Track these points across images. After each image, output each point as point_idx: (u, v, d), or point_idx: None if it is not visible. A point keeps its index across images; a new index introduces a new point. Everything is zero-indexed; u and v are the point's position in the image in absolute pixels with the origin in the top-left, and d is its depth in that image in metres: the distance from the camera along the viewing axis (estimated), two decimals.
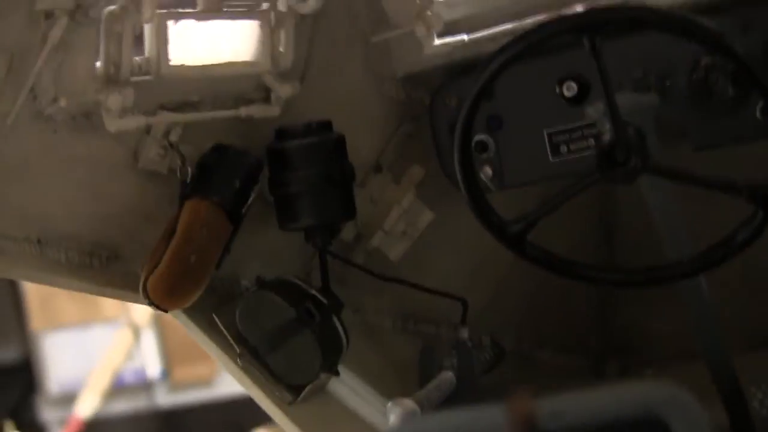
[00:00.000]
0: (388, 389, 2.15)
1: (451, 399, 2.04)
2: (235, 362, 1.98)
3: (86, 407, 5.40)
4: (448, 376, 2.06)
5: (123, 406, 5.51)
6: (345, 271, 2.19)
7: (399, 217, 2.19)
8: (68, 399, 5.55)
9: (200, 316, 1.99)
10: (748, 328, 2.26)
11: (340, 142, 2.01)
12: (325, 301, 1.97)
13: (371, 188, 2.17)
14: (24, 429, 5.70)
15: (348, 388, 2.11)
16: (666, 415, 1.15)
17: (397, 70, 2.16)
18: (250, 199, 1.93)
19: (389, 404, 1.88)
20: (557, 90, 2.01)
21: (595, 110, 1.80)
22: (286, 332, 1.95)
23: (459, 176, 1.76)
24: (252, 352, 1.99)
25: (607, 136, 1.69)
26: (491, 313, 2.32)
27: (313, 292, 1.98)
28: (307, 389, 1.99)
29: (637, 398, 1.17)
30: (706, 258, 1.73)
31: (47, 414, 5.75)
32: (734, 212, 1.68)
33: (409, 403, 1.86)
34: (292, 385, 2.01)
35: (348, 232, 2.16)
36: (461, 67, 2.07)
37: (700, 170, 1.71)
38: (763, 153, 1.97)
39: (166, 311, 1.89)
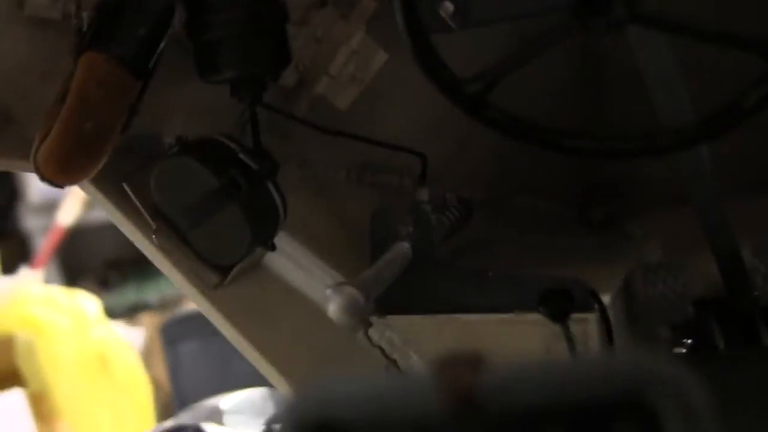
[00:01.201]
0: (340, 258, 1.88)
1: (407, 275, 1.76)
2: (151, 240, 1.69)
3: (68, 215, 5.20)
4: (402, 247, 1.78)
5: (104, 214, 5.26)
6: (287, 121, 1.88)
7: (347, 59, 1.87)
8: (50, 207, 5.34)
9: (111, 185, 1.69)
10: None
11: None
12: (254, 165, 1.66)
13: (315, 25, 1.84)
14: (6, 237, 5.58)
15: (290, 261, 1.83)
16: (654, 400, 0.82)
17: None
18: (160, 47, 1.60)
19: (328, 291, 1.59)
20: None
21: None
22: (209, 205, 1.66)
23: (397, 14, 1.43)
24: (171, 228, 1.70)
25: None
26: (458, 165, 2.02)
27: (242, 155, 1.67)
28: (234, 270, 1.71)
29: (615, 374, 0.84)
30: (709, 125, 1.41)
31: (29, 222, 5.60)
32: (742, 71, 1.36)
33: (350, 292, 1.57)
34: (218, 265, 1.72)
35: (288, 77, 1.84)
36: None
37: (701, 19, 1.38)
38: None
39: (61, 187, 1.59)
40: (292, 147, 1.87)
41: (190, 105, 1.77)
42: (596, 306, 1.70)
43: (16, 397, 3.94)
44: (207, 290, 1.68)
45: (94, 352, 3.95)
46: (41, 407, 4.03)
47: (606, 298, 1.74)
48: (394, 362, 1.81)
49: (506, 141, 1.72)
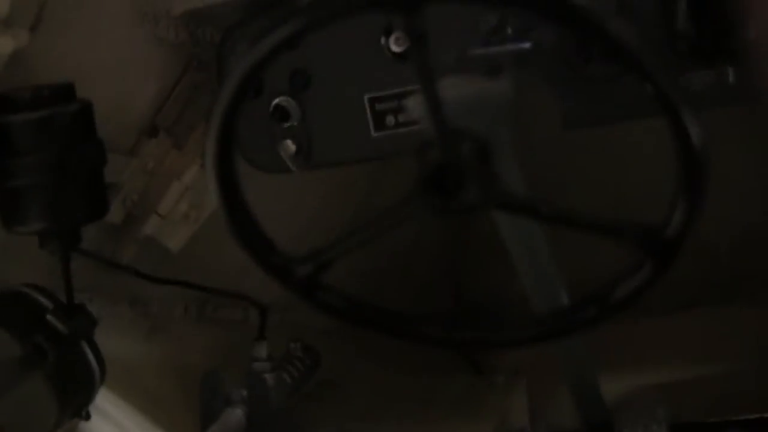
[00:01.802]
0: (172, 416, 1.67)
1: None
2: None
3: None
4: (234, 416, 1.58)
5: None
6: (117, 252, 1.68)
7: (180, 197, 1.67)
8: None
9: None
10: None
11: (83, 113, 1.46)
12: (64, 329, 1.45)
13: (145, 157, 1.64)
14: None
15: (111, 425, 1.62)
16: None
17: (173, 7, 1.59)
18: None
19: None
20: (383, 41, 1.48)
21: (415, 104, 1.26)
22: (11, 375, 1.44)
23: (212, 189, 1.23)
24: None
25: (430, 152, 1.17)
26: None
27: (49, 316, 1.46)
28: None
29: None
30: (568, 320, 1.23)
31: None
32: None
33: None
34: None
35: (115, 213, 1.64)
36: None
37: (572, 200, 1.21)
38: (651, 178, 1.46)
39: None
40: (125, 281, 1.67)
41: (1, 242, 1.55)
42: None
43: None
44: None
45: None
46: None
47: None
48: None
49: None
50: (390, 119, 1.50)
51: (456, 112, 1.18)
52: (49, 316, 1.46)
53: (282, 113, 1.53)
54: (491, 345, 1.30)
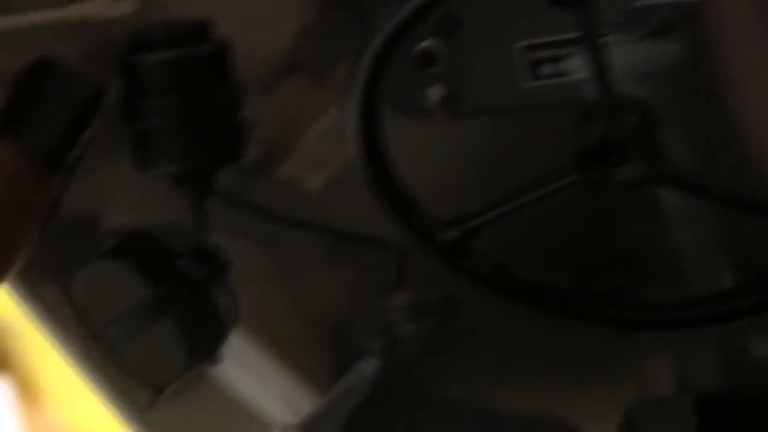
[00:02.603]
0: (306, 361, 1.64)
1: (373, 401, 1.52)
2: (75, 348, 1.46)
3: None
4: (367, 369, 1.53)
5: None
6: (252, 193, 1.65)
7: (320, 136, 1.62)
8: None
9: (32, 281, 1.47)
10: None
11: (220, 53, 1.40)
12: (196, 274, 1.42)
13: (284, 95, 1.59)
14: None
15: (242, 368, 1.59)
16: None
17: None
18: (86, 136, 1.36)
19: None
20: None
21: (579, 66, 1.19)
22: (141, 317, 1.42)
23: (352, 139, 1.17)
24: (99, 337, 1.47)
25: (593, 122, 1.10)
26: None
27: (181, 260, 1.42)
28: (168, 390, 1.47)
29: None
30: (731, 304, 1.16)
31: None
32: None
33: None
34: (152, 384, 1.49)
35: (252, 151, 1.58)
36: None
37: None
38: None
39: None
40: (256, 225, 1.63)
41: (136, 182, 1.52)
42: None
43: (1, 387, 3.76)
44: (137, 411, 1.45)
45: None
46: (29, 392, 3.86)
47: None
48: None
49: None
50: (545, 69, 1.42)
51: (622, 77, 1.11)
52: (181, 260, 1.43)
53: (429, 58, 1.46)
54: (646, 327, 1.23)
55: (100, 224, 1.53)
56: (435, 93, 1.46)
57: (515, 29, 1.42)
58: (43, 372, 3.86)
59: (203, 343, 1.48)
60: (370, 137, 1.17)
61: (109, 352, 1.46)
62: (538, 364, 1.73)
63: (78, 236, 1.51)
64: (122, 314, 1.43)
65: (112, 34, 1.40)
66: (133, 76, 1.39)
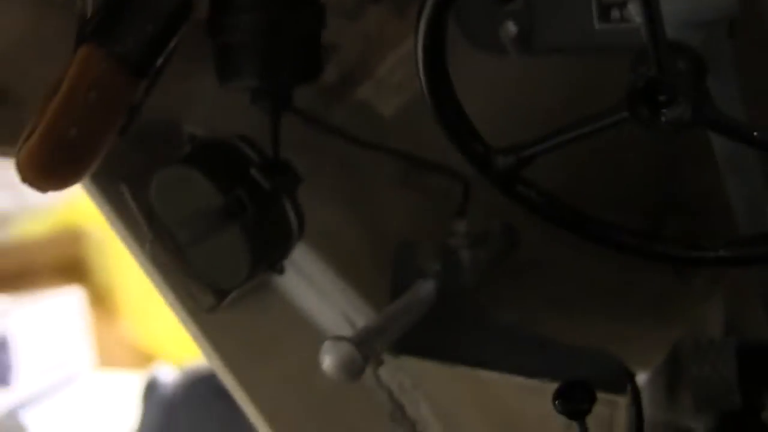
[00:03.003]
0: (367, 279, 1.69)
1: (429, 317, 1.57)
2: (144, 249, 1.52)
3: None
4: (425, 289, 1.59)
5: None
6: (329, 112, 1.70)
7: (397, 64, 1.66)
8: None
9: (109, 182, 1.53)
10: None
11: None
12: (267, 184, 1.48)
13: (366, 22, 1.63)
14: None
15: (304, 280, 1.65)
16: None
17: None
18: (171, 46, 1.41)
19: (324, 343, 1.41)
20: None
21: (636, 10, 1.22)
22: (211, 223, 1.48)
23: (419, 65, 1.22)
24: (168, 240, 1.53)
25: (644, 64, 1.14)
26: None
27: (253, 171, 1.48)
28: (233, 293, 1.54)
29: None
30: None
31: None
32: None
33: (347, 350, 1.39)
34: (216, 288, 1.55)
35: (330, 74, 1.64)
36: None
37: None
38: None
39: (43, 192, 1.42)
40: (330, 144, 1.68)
41: (216, 94, 1.58)
42: (629, 389, 1.49)
43: (73, 296, 3.85)
44: (198, 313, 1.51)
45: None
46: (104, 304, 3.94)
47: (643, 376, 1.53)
48: (401, 408, 1.63)
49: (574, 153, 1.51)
50: (615, 12, 1.44)
51: (675, 23, 1.14)
52: (253, 170, 1.49)
53: None
54: (690, 263, 1.27)
55: (178, 132, 1.58)
56: (511, 29, 1.49)
57: None
58: (116, 285, 3.95)
59: (269, 252, 1.53)
60: (435, 65, 1.21)
61: (178, 254, 1.52)
62: (594, 299, 1.77)
63: (157, 142, 1.56)
64: (193, 218, 1.49)
65: None
66: None
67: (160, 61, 1.42)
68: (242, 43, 1.44)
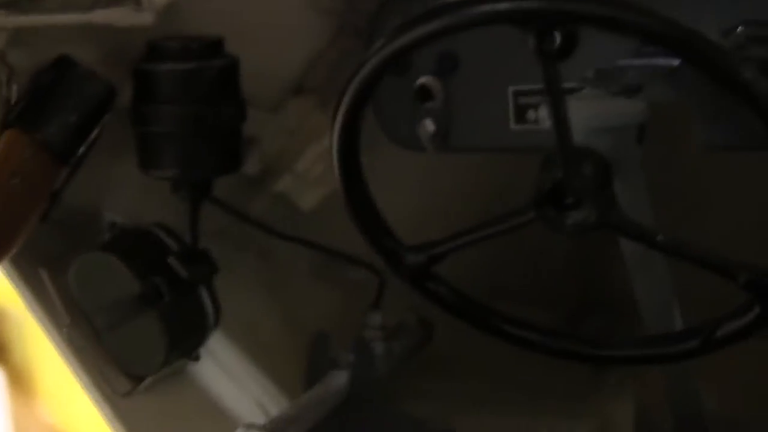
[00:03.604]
0: (281, 370, 1.70)
1: (340, 412, 1.59)
2: (62, 333, 1.53)
3: None
4: (338, 380, 1.60)
5: None
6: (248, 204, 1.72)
7: (317, 157, 1.69)
8: None
9: (28, 266, 1.53)
10: None
11: (229, 69, 1.49)
12: (184, 272, 1.50)
13: (287, 115, 1.66)
14: None
15: (220, 369, 1.66)
16: None
17: None
18: (95, 133, 1.44)
19: (237, 430, 1.43)
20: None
21: (546, 115, 1.26)
22: (128, 309, 1.49)
23: (335, 163, 1.25)
24: (86, 325, 1.55)
25: (552, 167, 1.18)
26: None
27: (170, 260, 1.50)
28: (147, 380, 1.55)
29: None
30: (670, 348, 1.23)
31: None
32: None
33: None
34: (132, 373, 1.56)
35: (251, 166, 1.67)
36: None
37: (684, 231, 1.20)
38: None
39: None
40: (249, 235, 1.70)
41: (138, 181, 1.60)
42: None
43: None
44: (114, 397, 1.52)
45: None
46: (22, 385, 3.90)
47: None
48: None
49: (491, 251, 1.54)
50: (531, 114, 1.49)
51: (585, 130, 1.18)
52: (171, 258, 1.51)
53: (425, 93, 1.53)
54: (598, 360, 1.30)
55: (98, 219, 1.60)
56: (429, 127, 1.53)
57: (508, 74, 1.50)
58: (36, 365, 3.91)
59: (185, 339, 1.55)
60: (350, 163, 1.25)
61: (96, 338, 1.54)
62: (509, 395, 1.80)
63: (76, 228, 1.57)
64: (111, 304, 1.50)
65: (130, 42, 1.48)
66: (146, 82, 1.47)
67: (83, 148, 1.45)
68: (164, 133, 1.47)
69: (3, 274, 1.55)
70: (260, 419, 1.61)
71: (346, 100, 1.19)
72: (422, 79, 1.53)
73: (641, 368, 1.80)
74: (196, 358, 1.57)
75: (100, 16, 1.45)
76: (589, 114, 1.21)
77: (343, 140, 1.22)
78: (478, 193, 1.70)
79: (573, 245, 1.93)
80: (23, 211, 1.41)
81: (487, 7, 1.11)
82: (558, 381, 1.85)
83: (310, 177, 1.70)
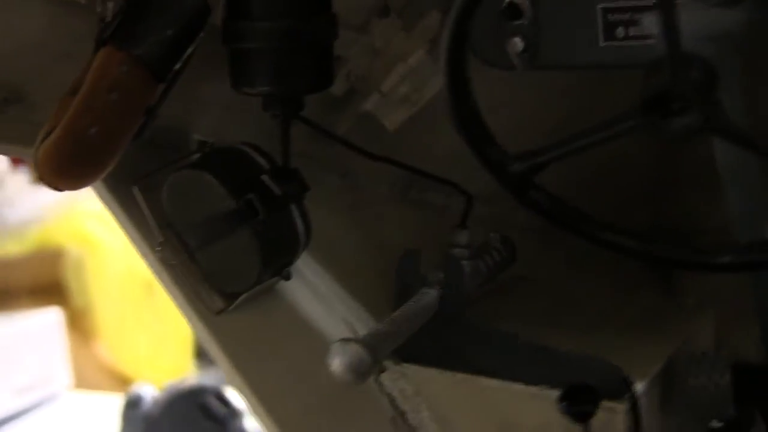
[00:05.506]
0: (367, 289, 1.73)
1: (430, 326, 1.60)
2: (155, 251, 1.55)
3: None
4: (428, 297, 1.62)
5: None
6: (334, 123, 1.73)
7: (402, 78, 1.70)
8: None
9: (121, 185, 1.55)
10: None
11: None
12: (277, 190, 1.51)
13: (374, 36, 1.67)
14: None
15: (308, 288, 1.68)
16: None
17: None
18: (190, 51, 1.44)
19: (332, 345, 1.44)
20: None
21: (652, 22, 1.27)
22: (222, 226, 1.51)
23: (442, 71, 1.25)
24: (179, 243, 1.56)
25: (659, 73, 1.18)
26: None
27: (264, 177, 1.51)
28: (241, 297, 1.57)
29: None
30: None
31: None
32: None
33: (356, 351, 1.42)
34: (225, 291, 1.58)
35: (337, 86, 1.68)
36: None
37: None
38: None
39: (59, 190, 1.44)
40: (337, 152, 1.71)
41: (226, 101, 1.61)
42: (627, 396, 1.53)
43: (51, 317, 3.85)
44: (207, 315, 1.54)
45: (142, 276, 3.83)
46: (81, 325, 3.95)
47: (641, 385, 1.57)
48: (402, 414, 1.66)
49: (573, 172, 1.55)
50: (620, 31, 1.49)
51: (690, 37, 1.18)
52: (264, 176, 1.52)
53: (514, 11, 1.53)
54: (688, 266, 1.31)
55: (186, 138, 1.61)
56: (517, 45, 1.54)
57: None
58: (94, 306, 3.96)
59: (278, 257, 1.56)
60: (456, 71, 1.26)
61: (189, 256, 1.55)
62: (587, 315, 1.81)
63: (165, 147, 1.59)
64: (204, 222, 1.52)
65: None
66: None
67: (178, 64, 1.46)
68: (256, 50, 1.47)
69: (95, 192, 1.57)
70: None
71: (457, 4, 1.19)
72: None
73: (722, 287, 1.81)
74: (288, 277, 1.58)
75: None
76: (694, 23, 1.21)
77: (451, 50, 1.22)
78: (570, 106, 1.70)
79: (648, 166, 1.94)
80: (122, 126, 1.42)
81: None
82: (636, 301, 1.86)
83: (396, 96, 1.70)
